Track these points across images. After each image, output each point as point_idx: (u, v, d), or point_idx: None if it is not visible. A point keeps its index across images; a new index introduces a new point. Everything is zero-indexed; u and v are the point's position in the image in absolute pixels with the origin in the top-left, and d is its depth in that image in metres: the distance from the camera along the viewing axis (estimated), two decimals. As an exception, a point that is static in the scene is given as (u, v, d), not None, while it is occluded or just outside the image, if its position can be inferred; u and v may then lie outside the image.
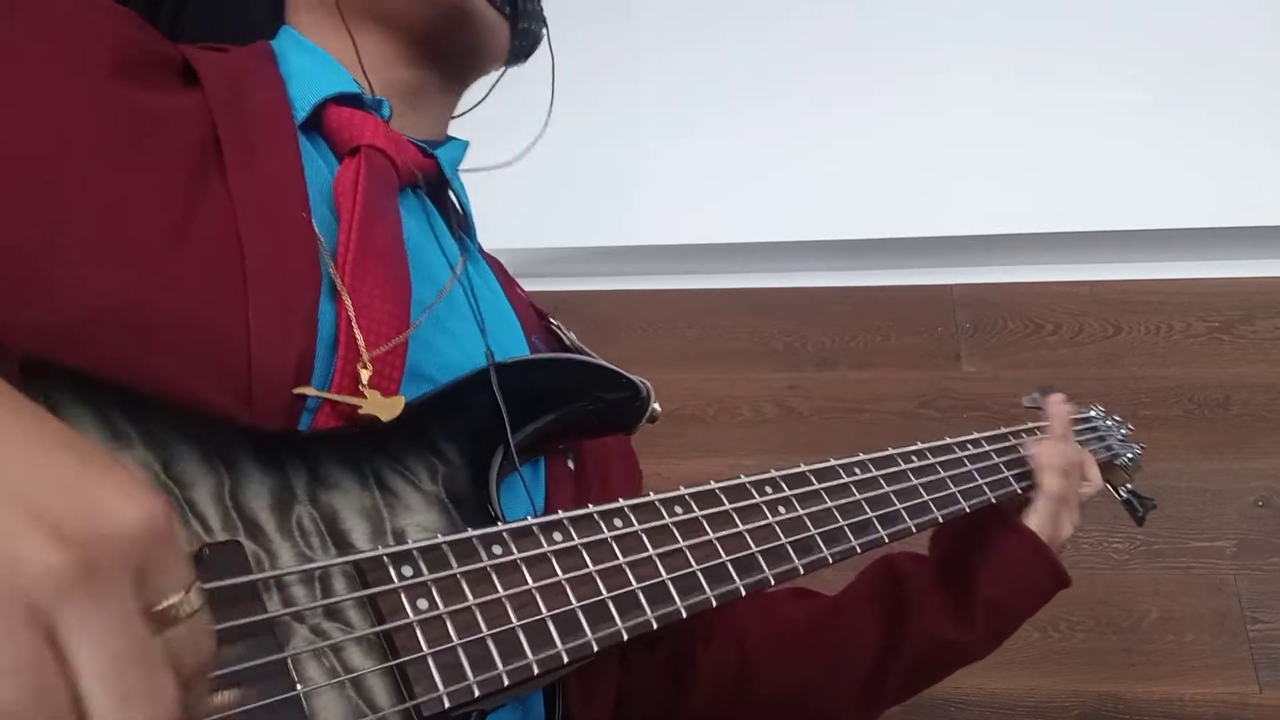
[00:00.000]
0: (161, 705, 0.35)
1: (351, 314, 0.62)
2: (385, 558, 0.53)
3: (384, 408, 0.59)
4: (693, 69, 2.29)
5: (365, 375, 0.60)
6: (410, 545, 0.54)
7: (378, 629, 0.51)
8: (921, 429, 2.00)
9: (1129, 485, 1.19)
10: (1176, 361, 1.97)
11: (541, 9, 0.91)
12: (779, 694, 0.95)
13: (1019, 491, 0.98)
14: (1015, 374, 1.99)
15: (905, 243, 2.11)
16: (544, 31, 0.93)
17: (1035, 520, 0.98)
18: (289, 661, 0.48)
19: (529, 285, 2.31)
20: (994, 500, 0.94)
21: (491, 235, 0.90)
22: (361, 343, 0.61)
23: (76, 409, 0.46)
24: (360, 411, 0.59)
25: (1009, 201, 2.07)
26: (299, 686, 0.47)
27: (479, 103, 0.97)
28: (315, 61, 0.78)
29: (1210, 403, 1.91)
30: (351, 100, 0.76)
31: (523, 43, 0.90)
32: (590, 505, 0.63)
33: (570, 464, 0.79)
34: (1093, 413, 1.21)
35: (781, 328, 2.11)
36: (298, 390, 0.58)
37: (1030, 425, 1.07)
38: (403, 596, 0.52)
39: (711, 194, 2.18)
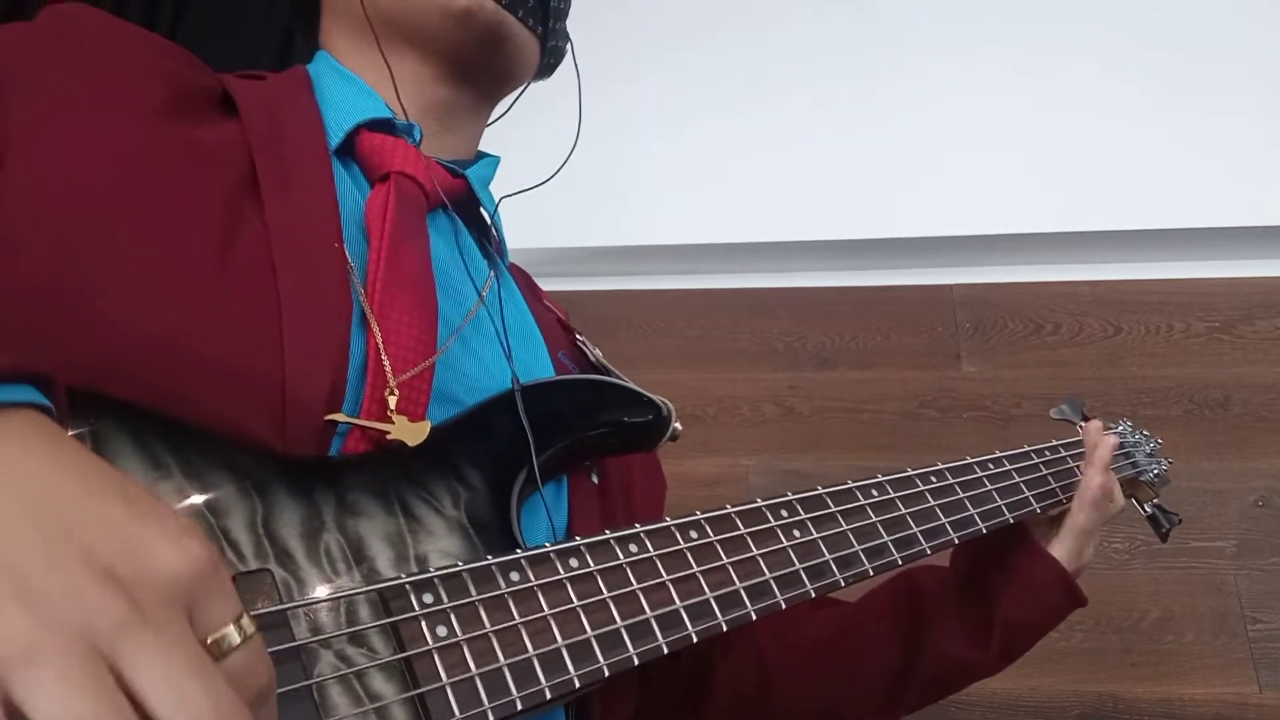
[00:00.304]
0: (226, 706, 0.37)
1: (379, 341, 0.63)
2: (407, 586, 0.54)
3: (410, 433, 0.60)
4: (693, 69, 2.29)
5: (393, 401, 0.61)
6: (431, 573, 0.55)
7: (398, 656, 0.52)
8: (921, 429, 2.01)
9: (1155, 500, 1.17)
10: (1176, 361, 1.97)
11: (565, 27, 0.92)
12: (797, 708, 0.95)
13: (1038, 512, 0.97)
14: (1015, 374, 2.00)
15: (905, 243, 2.11)
16: (568, 47, 0.95)
17: (1060, 549, 0.98)
18: (314, 688, 0.49)
19: (530, 286, 2.29)
20: (1012, 521, 0.93)
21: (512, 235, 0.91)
22: (389, 369, 0.63)
23: (118, 438, 0.48)
24: (388, 437, 0.60)
25: (1009, 201, 2.07)
26: (326, 713, 0.49)
27: (502, 115, 0.97)
28: (349, 87, 0.80)
29: (1210, 403, 1.92)
30: (384, 126, 0.77)
31: (550, 60, 0.92)
32: (607, 531, 0.64)
33: (595, 479, 0.79)
34: (1120, 428, 1.19)
35: (781, 328, 2.12)
36: (329, 417, 0.59)
37: (1054, 443, 1.07)
38: (423, 624, 0.53)
39: (711, 194, 2.18)
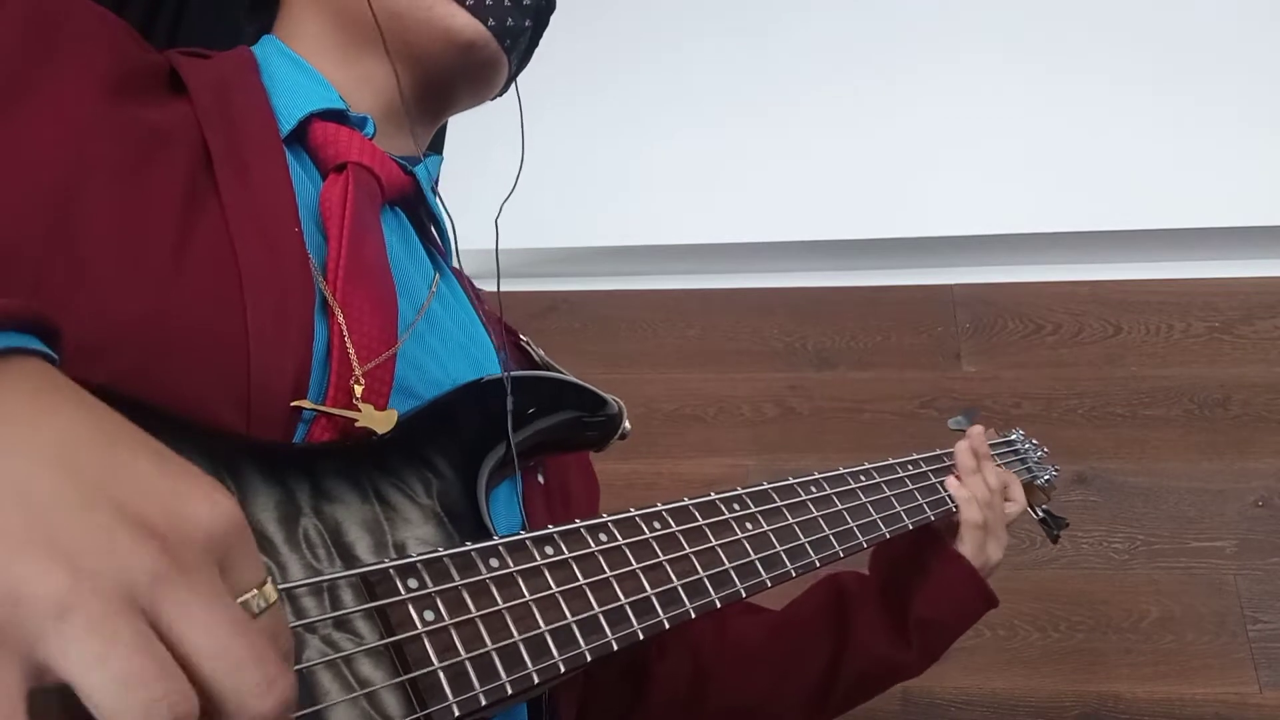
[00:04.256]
0: (273, 672, 0.36)
1: (344, 329, 0.62)
2: (391, 570, 0.54)
3: (379, 421, 0.60)
4: (693, 69, 2.29)
5: (359, 390, 0.61)
6: (414, 558, 0.55)
7: (389, 640, 0.52)
8: (921, 429, 2.01)
9: (1045, 505, 1.24)
10: (1176, 361, 1.97)
11: None
12: (732, 706, 0.97)
13: (954, 510, 1.01)
14: (1015, 374, 2.00)
15: (905, 243, 2.12)
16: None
17: (964, 547, 1.01)
18: (304, 673, 0.49)
19: (528, 285, 2.32)
20: (933, 518, 0.98)
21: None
22: (354, 357, 0.62)
23: None
24: (356, 424, 0.59)
25: (1009, 201, 2.08)
26: (316, 699, 0.48)
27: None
28: (301, 74, 0.78)
29: (1210, 403, 1.91)
30: (336, 116, 0.76)
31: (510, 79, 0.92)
32: (577, 520, 0.65)
33: (540, 479, 0.80)
34: (1014, 436, 1.26)
35: (781, 328, 2.12)
36: (295, 403, 0.58)
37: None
38: (410, 608, 0.53)
39: (711, 194, 2.18)
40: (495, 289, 0.84)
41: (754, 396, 2.05)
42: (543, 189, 2.12)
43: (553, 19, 0.94)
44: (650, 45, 2.32)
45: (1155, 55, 2.15)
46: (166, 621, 0.34)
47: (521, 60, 0.90)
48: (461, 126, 1.13)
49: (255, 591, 0.38)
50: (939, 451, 1.07)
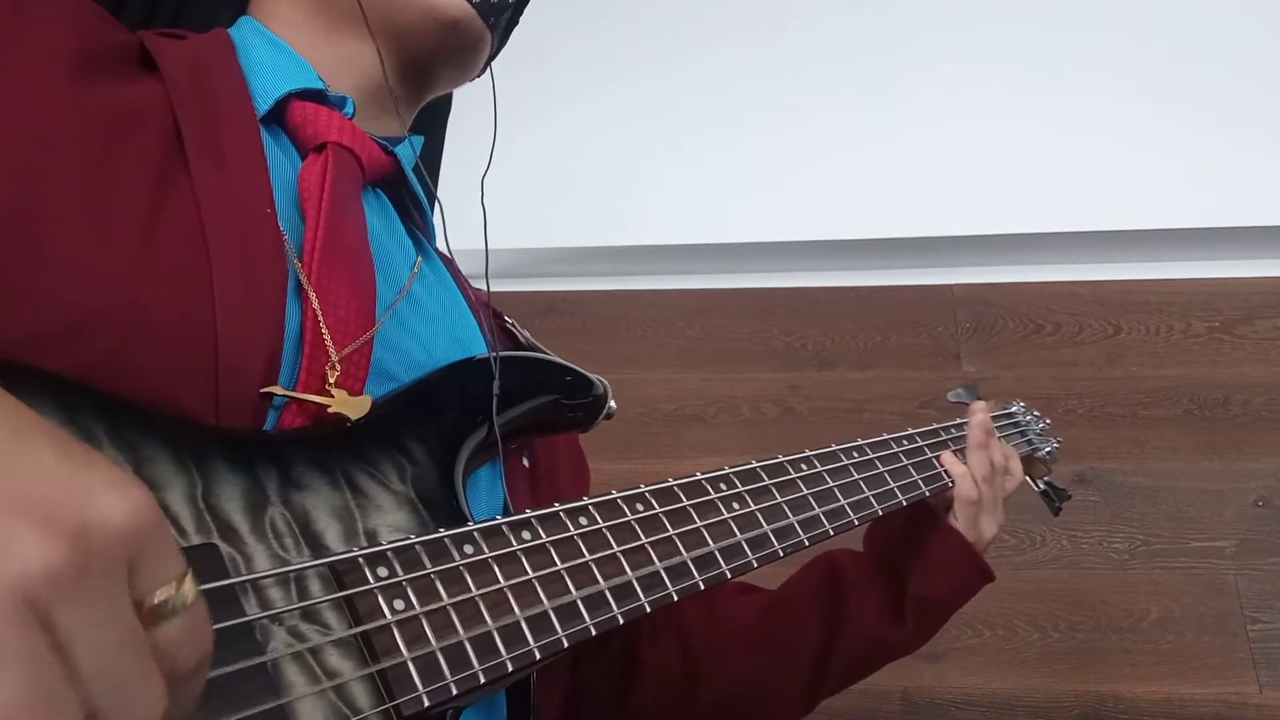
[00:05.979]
0: (152, 695, 0.35)
1: (319, 313, 0.61)
2: (360, 559, 0.53)
3: (352, 407, 0.59)
4: (693, 70, 2.29)
5: (333, 376, 0.60)
6: (384, 546, 0.54)
7: (356, 630, 0.51)
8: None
9: (1047, 478, 1.23)
10: (1176, 361, 1.96)
11: None
12: (726, 689, 0.96)
13: (950, 485, 1.00)
14: (1015, 374, 1.99)
15: (905, 243, 2.11)
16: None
17: (957, 523, 1.00)
18: (269, 665, 0.48)
19: (528, 285, 2.32)
20: (928, 494, 0.96)
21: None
22: (329, 343, 0.61)
23: (44, 410, 0.45)
24: (329, 410, 0.58)
25: (1009, 201, 2.07)
26: (282, 691, 0.47)
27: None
28: (278, 54, 0.77)
29: (1210, 403, 1.91)
30: (315, 96, 0.75)
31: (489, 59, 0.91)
32: (556, 504, 0.64)
33: (525, 461, 0.79)
34: (1014, 408, 1.25)
35: (781, 328, 2.12)
36: (265, 389, 0.57)
37: (960, 421, 1.09)
38: (379, 597, 0.52)
39: (711, 194, 2.18)
40: (485, 268, 0.83)
41: (754, 396, 2.04)
42: (543, 189, 2.13)
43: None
44: (651, 46, 2.32)
45: (1154, 55, 2.14)
46: (59, 631, 0.32)
47: (501, 39, 0.89)
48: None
49: (169, 591, 0.36)
50: (935, 426, 1.06)
